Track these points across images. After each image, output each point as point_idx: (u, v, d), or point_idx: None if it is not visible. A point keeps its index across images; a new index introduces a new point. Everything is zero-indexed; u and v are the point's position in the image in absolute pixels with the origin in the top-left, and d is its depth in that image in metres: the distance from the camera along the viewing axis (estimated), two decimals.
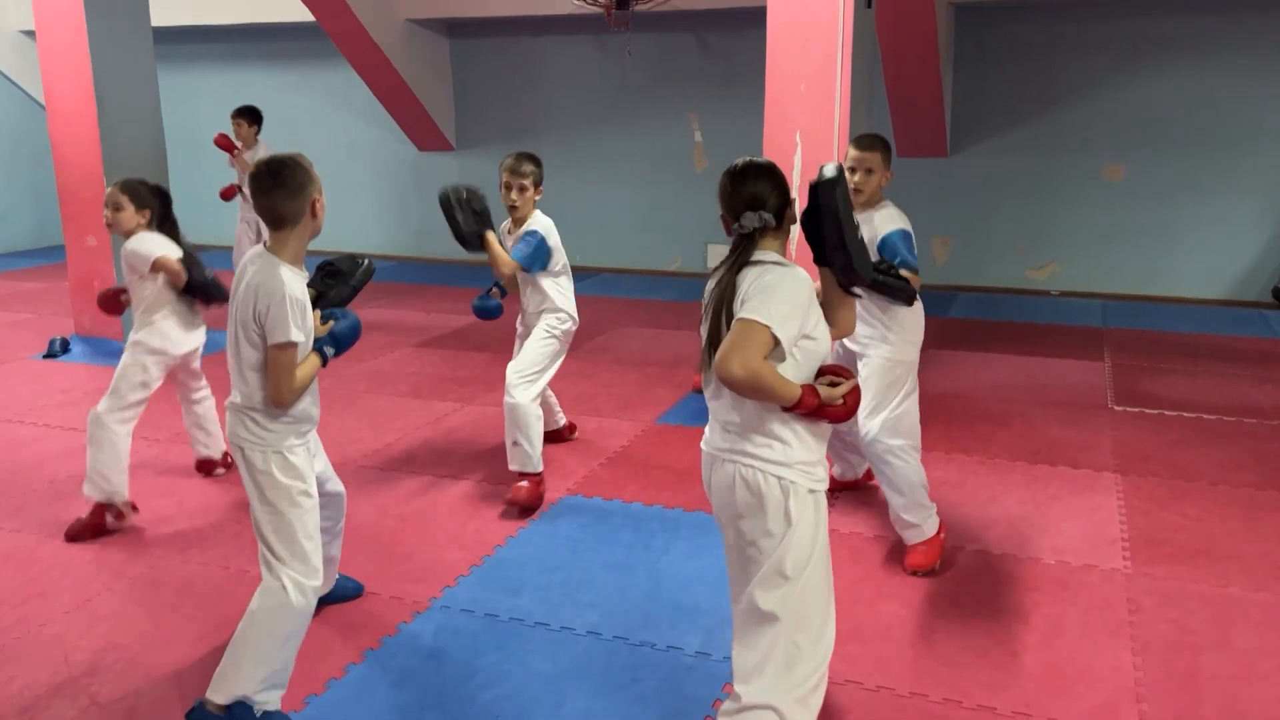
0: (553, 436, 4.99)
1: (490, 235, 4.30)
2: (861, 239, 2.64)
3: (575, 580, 3.67)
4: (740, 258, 2.46)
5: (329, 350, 2.89)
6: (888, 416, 3.68)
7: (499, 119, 10.26)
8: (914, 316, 3.71)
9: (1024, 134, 8.65)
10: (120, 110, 7.02)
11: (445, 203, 4.28)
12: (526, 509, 4.24)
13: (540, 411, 4.35)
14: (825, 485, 2.48)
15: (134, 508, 4.15)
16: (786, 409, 2.36)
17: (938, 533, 3.76)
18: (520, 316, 4.65)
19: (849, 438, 4.13)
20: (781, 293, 2.36)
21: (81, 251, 7.17)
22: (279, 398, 2.72)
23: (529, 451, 4.28)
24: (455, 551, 3.90)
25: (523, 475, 4.31)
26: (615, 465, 4.81)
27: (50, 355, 6.82)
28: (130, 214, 4.17)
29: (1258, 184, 8.12)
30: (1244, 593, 3.55)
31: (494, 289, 4.48)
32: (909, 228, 3.63)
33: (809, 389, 2.37)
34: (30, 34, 11.06)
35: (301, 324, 2.72)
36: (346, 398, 5.88)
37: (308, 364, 2.80)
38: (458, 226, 4.28)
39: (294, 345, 2.70)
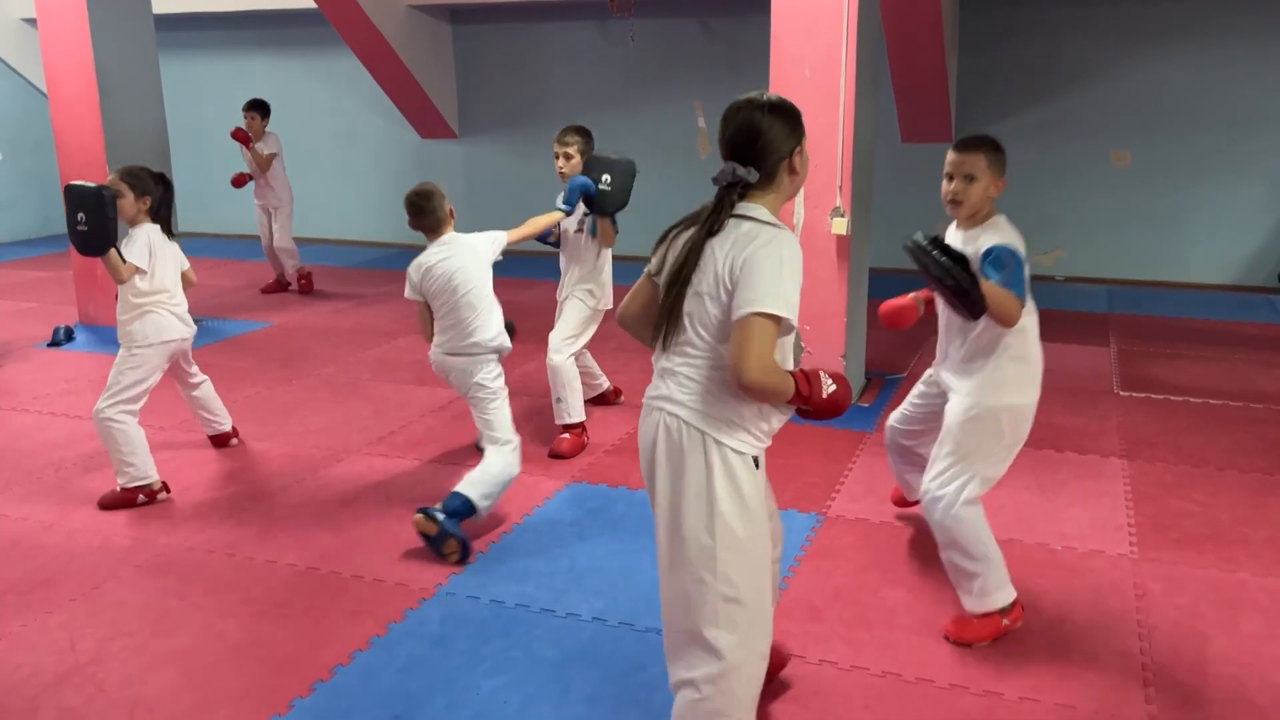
0: (599, 400, 5.47)
1: (603, 219, 4.88)
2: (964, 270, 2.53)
3: (580, 567, 3.67)
4: (717, 215, 2.16)
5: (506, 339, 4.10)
6: (958, 482, 3.04)
7: (502, 106, 10.22)
8: (1018, 358, 3.02)
9: (1030, 119, 8.61)
10: (122, 98, 7.00)
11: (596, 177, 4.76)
12: (568, 458, 4.67)
13: (576, 370, 4.81)
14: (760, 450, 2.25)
15: (166, 488, 4.30)
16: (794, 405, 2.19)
17: (1002, 614, 3.11)
18: (560, 288, 4.97)
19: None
20: (786, 268, 2.09)
21: None
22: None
23: (571, 405, 4.74)
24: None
25: (566, 428, 4.77)
26: (619, 452, 4.81)
27: (54, 344, 6.82)
28: (130, 201, 4.21)
29: (1265, 169, 8.08)
30: (1251, 577, 3.55)
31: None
32: (1019, 247, 3.00)
33: (800, 377, 2.16)
34: (32, 22, 11.04)
35: (411, 290, 4.03)
36: (351, 385, 5.88)
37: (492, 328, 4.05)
38: (592, 202, 4.74)
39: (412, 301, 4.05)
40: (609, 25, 9.51)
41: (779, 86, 5.16)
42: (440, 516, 3.66)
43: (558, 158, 4.84)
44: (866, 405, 5.43)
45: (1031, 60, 8.50)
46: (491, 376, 4.02)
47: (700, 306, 2.20)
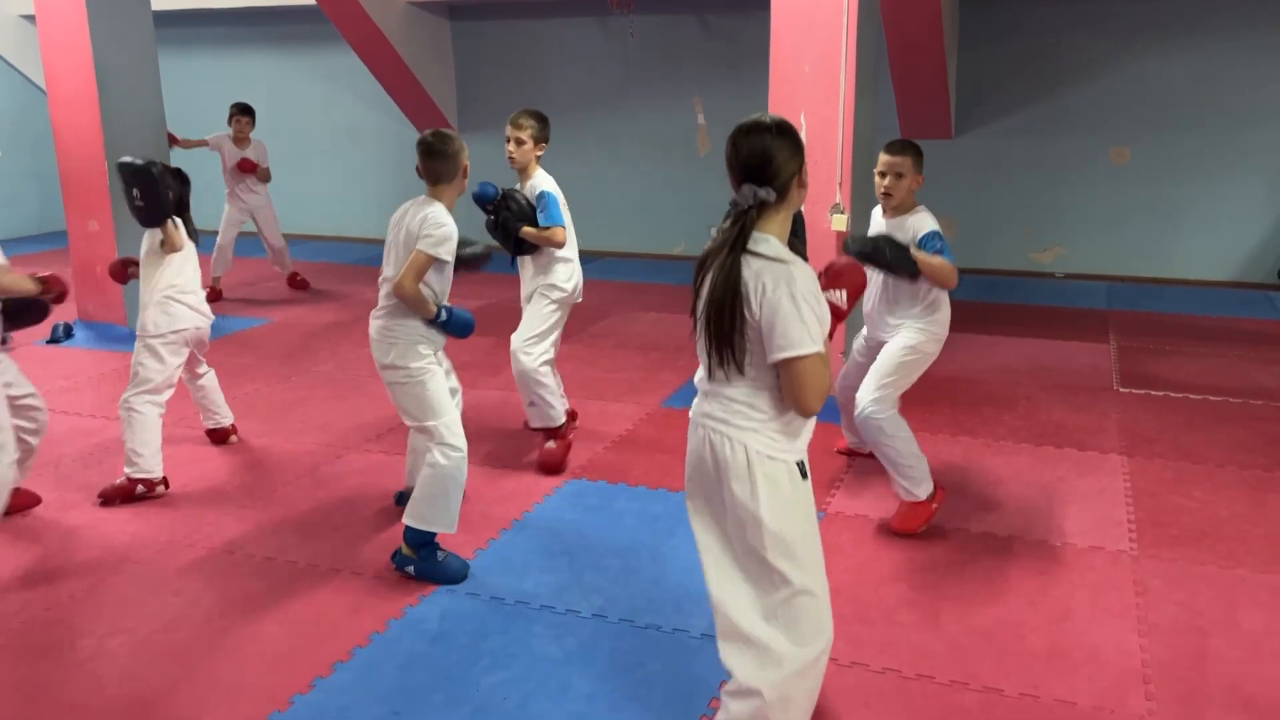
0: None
1: (526, 230, 4.38)
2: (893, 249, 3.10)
3: (581, 564, 3.67)
4: (739, 241, 2.25)
5: (443, 313, 3.53)
6: (887, 394, 3.80)
7: (501, 102, 10.20)
8: (943, 311, 3.87)
9: (1029, 116, 8.61)
10: (121, 94, 6.99)
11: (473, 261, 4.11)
12: (558, 470, 4.43)
13: (550, 371, 4.48)
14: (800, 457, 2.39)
15: (166, 484, 4.32)
16: None
17: (930, 500, 3.85)
18: (521, 289, 4.66)
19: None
20: (800, 303, 2.18)
21: (83, 237, 7.16)
22: (397, 283, 3.44)
23: (548, 407, 4.44)
24: (461, 535, 3.89)
25: (549, 433, 4.49)
26: (620, 449, 4.81)
27: (53, 340, 6.82)
28: None
29: (1264, 165, 8.08)
30: (1251, 574, 3.55)
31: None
32: (939, 229, 3.78)
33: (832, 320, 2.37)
34: (30, 19, 11.02)
35: (443, 248, 3.47)
36: (350, 382, 5.88)
37: (427, 299, 3.48)
38: (507, 249, 4.48)
39: (427, 257, 3.45)
40: (608, 22, 9.50)
41: (779, 83, 5.16)
42: (411, 570, 3.51)
43: (509, 142, 4.42)
44: None
45: (1031, 57, 8.50)
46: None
47: (746, 329, 2.27)
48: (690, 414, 2.47)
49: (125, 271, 4.59)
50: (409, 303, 3.48)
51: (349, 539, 3.88)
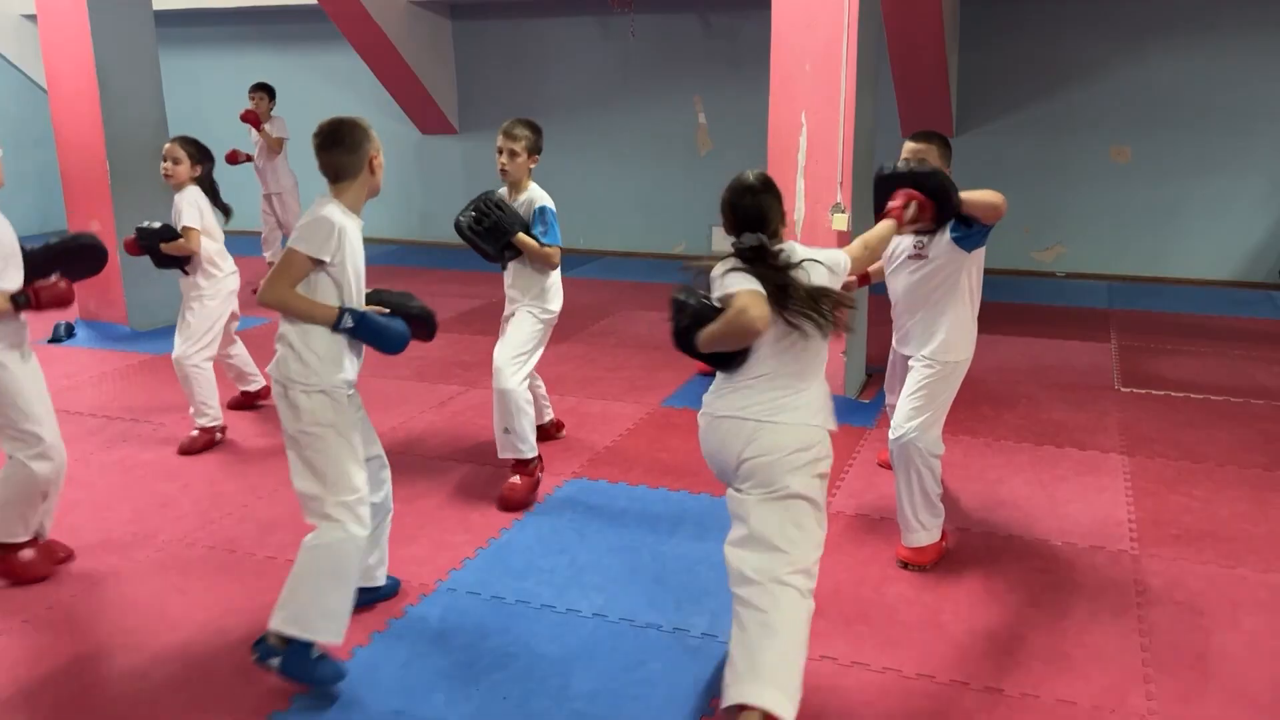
0: (539, 433, 4.54)
1: (521, 238, 4.10)
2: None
3: (581, 563, 3.67)
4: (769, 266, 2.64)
5: (347, 320, 2.89)
6: (922, 419, 3.54)
7: (502, 101, 10.20)
8: (968, 321, 3.64)
9: (1030, 115, 8.60)
10: (122, 93, 6.99)
11: (463, 234, 4.13)
12: (521, 508, 4.10)
13: (529, 396, 4.21)
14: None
15: (224, 429, 4.90)
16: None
17: (940, 540, 3.66)
18: (508, 300, 4.37)
19: None
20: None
21: None
22: (263, 287, 2.85)
23: (520, 439, 4.12)
24: (461, 534, 3.90)
25: (516, 465, 4.19)
26: (620, 448, 4.81)
27: (55, 340, 6.82)
28: (186, 168, 4.76)
29: (1265, 164, 8.07)
30: (1251, 574, 3.55)
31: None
32: None
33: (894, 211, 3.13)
34: (31, 18, 11.03)
35: (322, 247, 2.82)
36: None
37: (317, 304, 2.87)
38: (486, 252, 4.16)
39: (303, 257, 2.82)
40: (609, 20, 9.50)
41: (780, 82, 5.16)
42: (275, 664, 2.85)
43: (501, 153, 4.15)
44: (867, 402, 5.43)
45: (1032, 55, 8.49)
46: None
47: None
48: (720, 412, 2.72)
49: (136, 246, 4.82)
50: (283, 309, 2.87)
51: None
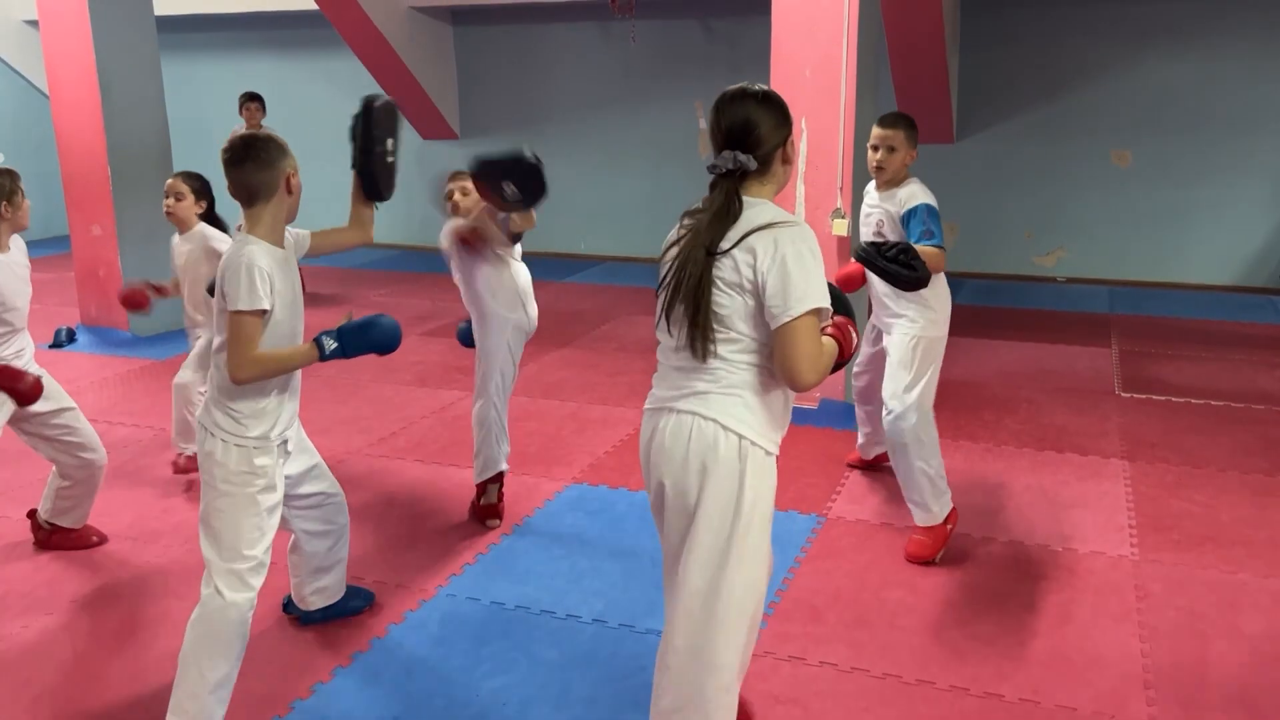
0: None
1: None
2: None
3: (581, 568, 3.66)
4: (722, 207, 2.16)
5: (329, 343, 2.65)
6: (918, 394, 3.66)
7: (503, 107, 10.22)
8: (941, 292, 3.71)
9: (1031, 119, 8.61)
10: (124, 99, 7.01)
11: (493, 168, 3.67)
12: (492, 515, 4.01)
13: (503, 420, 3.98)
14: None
15: None
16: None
17: (946, 521, 3.72)
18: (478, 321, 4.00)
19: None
20: (807, 260, 2.10)
21: (86, 241, 7.17)
22: (232, 369, 2.57)
23: (489, 456, 3.98)
24: (461, 540, 3.89)
25: (481, 488, 4.02)
26: (620, 453, 4.80)
27: (56, 345, 6.83)
28: (191, 203, 4.44)
29: (1266, 168, 8.07)
30: (1253, 579, 3.54)
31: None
32: (934, 203, 3.60)
33: (839, 331, 2.24)
34: (34, 23, 11.04)
35: (259, 295, 2.53)
36: (351, 386, 5.88)
37: (290, 351, 2.64)
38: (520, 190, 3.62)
39: (253, 314, 2.54)
40: (610, 26, 9.51)
41: (780, 87, 5.15)
42: None
43: (451, 195, 3.91)
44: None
45: (1032, 60, 8.50)
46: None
47: (731, 300, 2.15)
48: (655, 402, 2.30)
49: (144, 298, 4.48)
50: (264, 375, 2.63)
51: (350, 544, 3.87)
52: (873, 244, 3.41)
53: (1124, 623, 3.26)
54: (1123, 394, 5.64)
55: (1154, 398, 5.55)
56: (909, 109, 8.25)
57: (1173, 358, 6.34)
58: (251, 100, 8.07)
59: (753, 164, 2.18)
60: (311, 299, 8.21)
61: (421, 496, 4.31)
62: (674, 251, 2.25)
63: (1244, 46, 7.94)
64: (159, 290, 4.45)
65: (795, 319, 2.08)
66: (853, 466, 4.56)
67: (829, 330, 2.27)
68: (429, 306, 7.99)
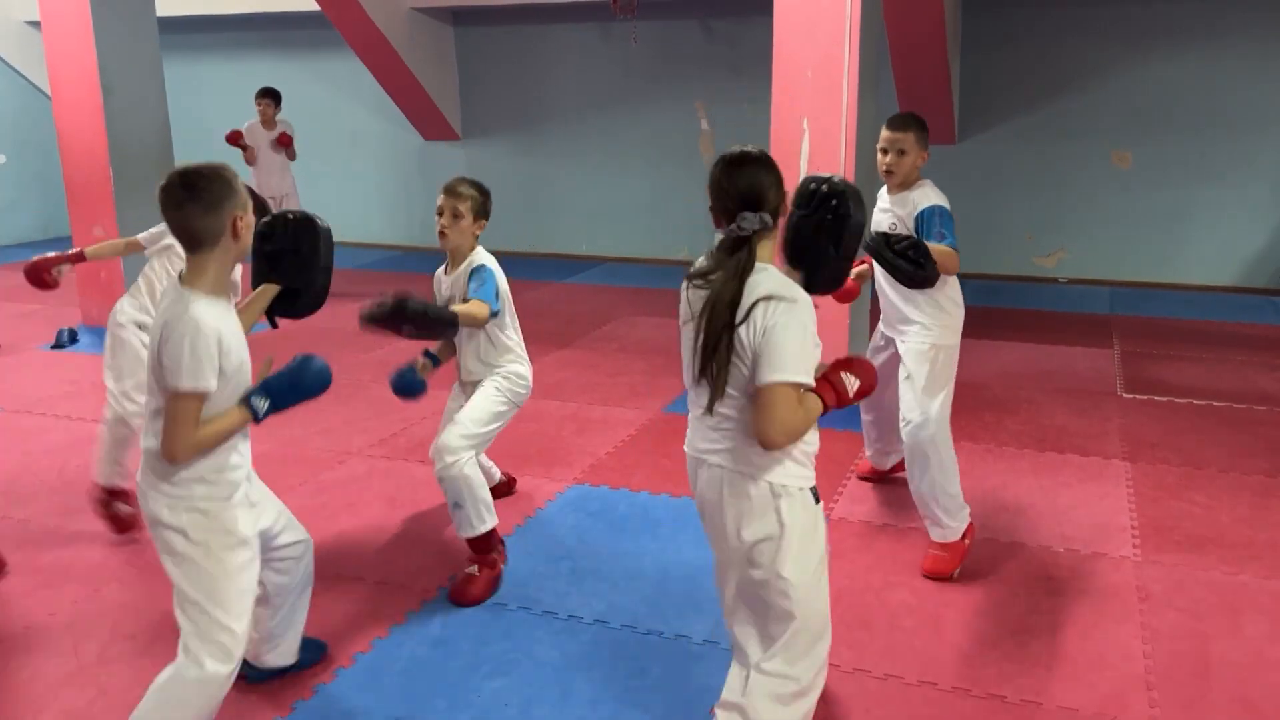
0: (495, 491, 3.89)
1: (453, 309, 3.41)
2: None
3: (582, 569, 3.67)
4: (743, 267, 2.27)
5: (260, 403, 2.41)
6: (939, 404, 3.55)
7: (504, 108, 10.23)
8: (955, 296, 3.64)
9: (1032, 121, 8.60)
10: (125, 100, 7.01)
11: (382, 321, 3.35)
12: (477, 601, 3.43)
13: (478, 470, 3.48)
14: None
15: None
16: None
17: (964, 537, 3.62)
18: (457, 382, 3.79)
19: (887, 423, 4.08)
20: (795, 334, 2.22)
21: (88, 241, 7.15)
22: (169, 451, 2.31)
23: (472, 512, 3.43)
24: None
25: (472, 548, 3.50)
26: (622, 454, 4.81)
27: (58, 346, 6.83)
28: None
29: (1267, 169, 8.07)
30: (1254, 580, 3.54)
31: (424, 360, 3.75)
32: (947, 205, 3.54)
33: (824, 389, 2.33)
34: (35, 24, 11.05)
35: (210, 369, 2.29)
36: (351, 387, 5.88)
37: (225, 419, 2.37)
38: (423, 334, 3.43)
39: (193, 395, 2.28)
40: (611, 27, 9.51)
41: (781, 88, 5.16)
42: None
43: (440, 213, 3.54)
44: None
45: (1033, 61, 8.50)
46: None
47: (738, 359, 2.29)
48: (690, 449, 2.48)
49: (50, 276, 4.10)
50: (200, 453, 2.37)
51: (351, 544, 3.88)
52: (883, 235, 3.29)
53: (1125, 624, 3.26)
54: (1124, 394, 5.64)
55: (1155, 398, 5.55)
56: (910, 109, 8.24)
57: (1174, 359, 6.34)
58: (265, 96, 8.17)
59: (770, 223, 2.31)
60: None
61: (422, 497, 4.32)
62: (694, 319, 2.35)
63: (1245, 47, 7.93)
64: (74, 259, 4.04)
65: (771, 384, 2.21)
66: (865, 478, 4.42)
67: (816, 386, 2.34)
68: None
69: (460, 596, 3.42)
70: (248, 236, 2.40)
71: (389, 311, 3.21)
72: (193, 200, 2.31)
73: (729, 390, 2.31)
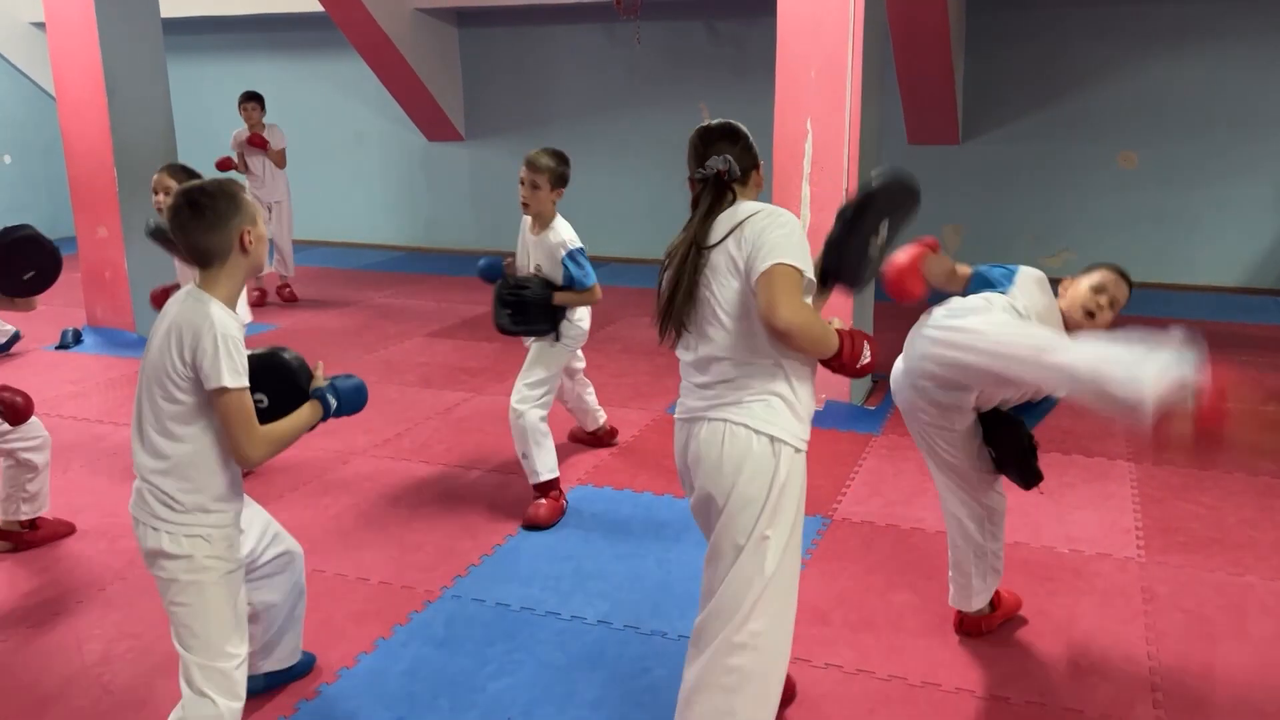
0: (590, 440, 4.89)
1: (558, 295, 3.95)
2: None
3: (586, 570, 3.66)
4: (713, 207, 2.39)
5: (331, 400, 2.47)
6: (982, 495, 3.19)
7: (508, 108, 10.23)
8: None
9: (1036, 121, 8.59)
10: (130, 101, 7.02)
11: (513, 332, 3.99)
12: (544, 526, 3.98)
13: (542, 423, 4.02)
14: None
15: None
16: (823, 361, 2.36)
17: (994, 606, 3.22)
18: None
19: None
20: (792, 236, 2.29)
21: (93, 242, 7.18)
22: (244, 453, 2.29)
23: (536, 461, 4.01)
24: (466, 541, 3.89)
25: (537, 490, 4.07)
26: (626, 454, 4.80)
27: (62, 346, 6.84)
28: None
29: (1273, 170, 8.05)
30: (1259, 581, 3.53)
31: (510, 259, 4.24)
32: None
33: (846, 335, 2.33)
34: (40, 26, 11.08)
35: (243, 365, 2.28)
36: None
37: (299, 415, 2.41)
38: (544, 331, 4.00)
39: (241, 390, 2.25)
40: (615, 28, 9.51)
41: (785, 88, 5.16)
42: None
43: (522, 184, 3.96)
44: (872, 409, 5.41)
45: (1038, 62, 8.48)
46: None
47: (729, 285, 2.33)
48: (685, 412, 2.45)
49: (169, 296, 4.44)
50: (278, 451, 2.40)
51: (355, 545, 3.88)
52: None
53: (1130, 625, 3.25)
54: None
55: None
56: (914, 110, 8.27)
57: None
58: (249, 100, 8.07)
59: (738, 170, 2.42)
60: (314, 304, 8.23)
61: (426, 498, 4.32)
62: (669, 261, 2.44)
63: (1251, 48, 7.91)
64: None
65: (770, 266, 2.23)
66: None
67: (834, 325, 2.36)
68: (433, 308, 8.00)
69: (530, 521, 3.99)
70: (259, 249, 2.36)
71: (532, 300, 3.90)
72: (198, 219, 2.28)
73: (719, 316, 2.33)
